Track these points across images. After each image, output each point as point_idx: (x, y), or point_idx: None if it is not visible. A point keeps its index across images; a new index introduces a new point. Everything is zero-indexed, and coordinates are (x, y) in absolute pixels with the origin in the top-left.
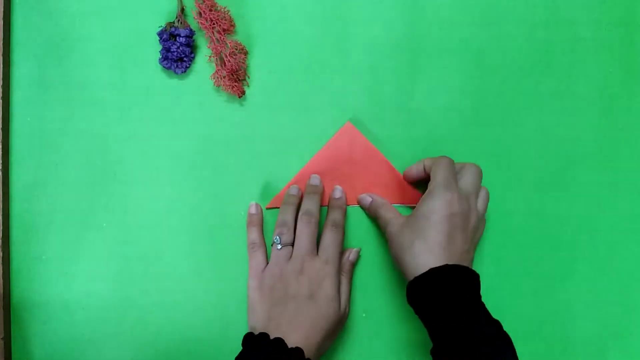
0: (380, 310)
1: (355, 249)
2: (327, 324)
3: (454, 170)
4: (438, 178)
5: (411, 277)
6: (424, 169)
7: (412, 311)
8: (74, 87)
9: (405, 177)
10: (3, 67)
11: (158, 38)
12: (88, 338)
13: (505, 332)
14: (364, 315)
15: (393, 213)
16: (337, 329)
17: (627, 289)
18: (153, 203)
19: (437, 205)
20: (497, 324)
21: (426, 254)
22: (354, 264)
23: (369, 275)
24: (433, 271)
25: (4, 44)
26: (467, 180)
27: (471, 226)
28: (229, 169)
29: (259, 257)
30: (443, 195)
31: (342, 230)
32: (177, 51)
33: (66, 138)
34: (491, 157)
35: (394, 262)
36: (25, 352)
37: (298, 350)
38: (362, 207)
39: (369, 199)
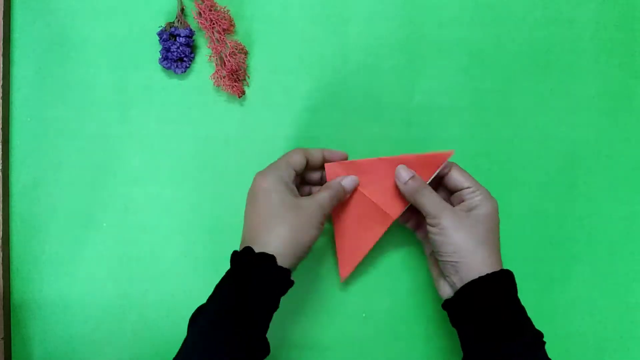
0: (380, 310)
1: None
2: (259, 212)
3: None
4: (474, 180)
5: (474, 275)
6: None
7: (411, 311)
8: (74, 87)
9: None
10: (3, 67)
11: (158, 38)
12: (88, 338)
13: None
14: (364, 315)
15: (443, 202)
16: (292, 219)
17: (626, 289)
18: (153, 203)
19: (495, 208)
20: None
21: (495, 255)
22: (346, 191)
23: (369, 276)
24: (505, 273)
25: (4, 44)
26: None
27: None
28: (229, 169)
29: None
30: (495, 201)
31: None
32: (177, 51)
33: (66, 138)
34: (491, 157)
35: (443, 253)
36: (25, 352)
37: (247, 248)
38: (397, 181)
39: (405, 176)
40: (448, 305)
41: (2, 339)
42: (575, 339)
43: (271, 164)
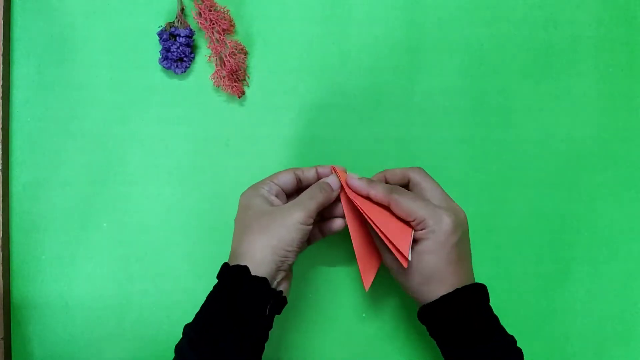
0: (379, 310)
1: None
2: (237, 228)
3: None
4: (438, 191)
5: (436, 297)
6: (385, 179)
7: (411, 311)
8: (74, 87)
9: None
10: (3, 67)
11: (158, 38)
12: (88, 338)
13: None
14: (363, 315)
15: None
16: (265, 225)
17: (626, 289)
18: (153, 203)
19: (451, 227)
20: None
21: (455, 276)
22: (333, 188)
23: None
24: (463, 290)
25: (4, 44)
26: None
27: None
28: (229, 169)
29: None
30: (446, 222)
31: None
32: (177, 51)
33: (66, 138)
34: (491, 157)
35: (409, 281)
36: (25, 352)
37: (224, 265)
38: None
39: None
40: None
41: (2, 339)
42: (575, 339)
43: (255, 183)
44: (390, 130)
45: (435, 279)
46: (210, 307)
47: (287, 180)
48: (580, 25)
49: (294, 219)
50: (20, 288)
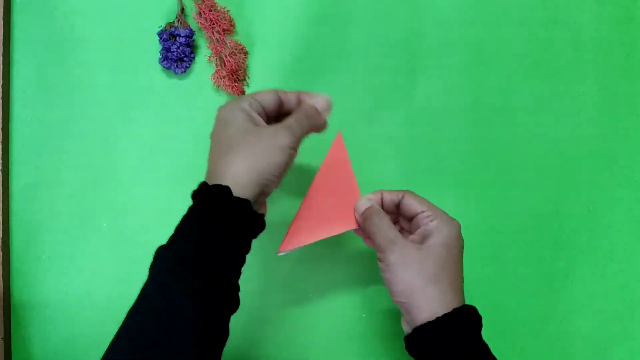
0: (379, 310)
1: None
2: (216, 143)
3: None
4: (431, 204)
5: (425, 316)
6: (382, 200)
7: None
8: (74, 87)
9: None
10: (3, 67)
11: (158, 38)
12: (88, 338)
13: None
14: (364, 315)
15: (394, 233)
16: (249, 144)
17: (626, 289)
18: (153, 203)
19: (453, 234)
20: None
21: (452, 291)
22: (320, 110)
23: (369, 277)
24: (460, 311)
25: (4, 44)
26: None
27: None
28: None
29: None
30: (455, 223)
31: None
32: (177, 51)
33: (66, 138)
34: (491, 157)
35: (392, 292)
36: (25, 352)
37: (203, 184)
38: (356, 213)
39: (362, 207)
40: (406, 344)
41: (2, 339)
42: (576, 339)
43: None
44: (390, 130)
45: (434, 286)
46: (189, 230)
47: (270, 99)
48: (580, 25)
49: (283, 142)
50: (20, 288)
